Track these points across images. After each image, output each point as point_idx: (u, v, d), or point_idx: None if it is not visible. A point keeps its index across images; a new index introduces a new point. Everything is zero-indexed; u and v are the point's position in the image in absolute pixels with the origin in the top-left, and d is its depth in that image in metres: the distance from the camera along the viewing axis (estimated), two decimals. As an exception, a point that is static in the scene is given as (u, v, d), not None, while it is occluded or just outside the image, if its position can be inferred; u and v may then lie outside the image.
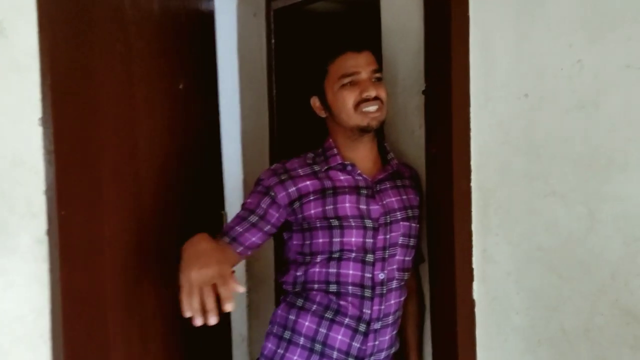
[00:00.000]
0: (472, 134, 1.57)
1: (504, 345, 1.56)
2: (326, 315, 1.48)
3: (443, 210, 1.57)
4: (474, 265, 1.60)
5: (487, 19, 1.52)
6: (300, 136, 1.75)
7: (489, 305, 1.59)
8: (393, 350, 1.58)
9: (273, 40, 2.40)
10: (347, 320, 1.47)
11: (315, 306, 1.49)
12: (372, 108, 1.47)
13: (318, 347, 1.47)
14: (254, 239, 1.47)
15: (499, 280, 1.56)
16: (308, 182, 1.49)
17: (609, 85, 1.33)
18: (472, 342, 1.63)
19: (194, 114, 1.89)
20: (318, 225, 1.47)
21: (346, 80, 1.46)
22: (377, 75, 1.50)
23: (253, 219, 1.48)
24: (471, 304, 1.62)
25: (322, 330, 1.47)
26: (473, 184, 1.58)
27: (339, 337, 1.47)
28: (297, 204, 1.48)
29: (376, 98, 1.47)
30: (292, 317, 1.51)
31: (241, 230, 1.47)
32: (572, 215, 1.40)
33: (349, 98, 1.46)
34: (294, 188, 1.48)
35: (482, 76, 1.55)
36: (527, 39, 1.45)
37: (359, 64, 1.47)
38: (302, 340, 1.49)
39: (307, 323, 1.49)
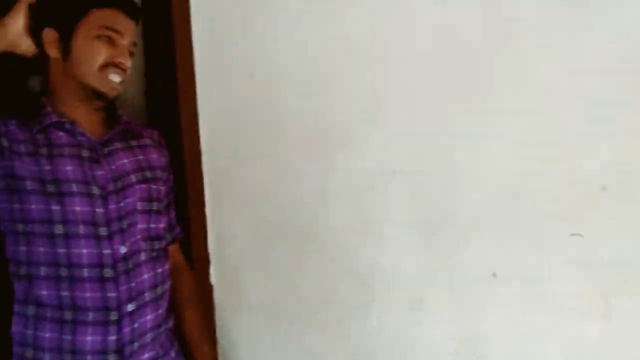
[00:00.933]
0: (201, 116, 1.54)
1: (245, 324, 1.58)
2: (65, 317, 1.28)
3: (178, 195, 1.50)
4: (210, 249, 1.58)
5: (211, 7, 1.50)
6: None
7: (227, 287, 1.59)
8: (162, 329, 1.43)
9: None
10: (91, 316, 1.29)
11: (49, 310, 1.29)
12: (117, 79, 1.32)
13: (68, 358, 1.28)
14: None
15: (236, 261, 1.57)
16: (20, 133, 1.28)
17: (333, 67, 1.42)
18: (212, 326, 1.62)
19: None
20: (29, 187, 1.26)
21: (107, 32, 1.29)
22: (133, 50, 1.36)
23: None
24: (209, 288, 1.60)
25: (67, 337, 1.27)
26: (205, 166, 1.55)
27: (89, 338, 1.28)
28: (4, 142, 1.26)
29: (125, 71, 1.33)
30: (29, 331, 1.29)
31: None
32: (307, 191, 1.47)
33: (102, 52, 1.29)
34: (4, 127, 1.28)
35: (207, 57, 1.52)
36: (253, 20, 1.46)
37: (127, 27, 1.32)
38: (47, 357, 1.27)
39: (47, 334, 1.28)
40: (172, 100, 1.54)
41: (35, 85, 1.42)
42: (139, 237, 1.34)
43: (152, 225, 1.38)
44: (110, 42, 1.31)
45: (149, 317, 1.35)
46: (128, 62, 1.33)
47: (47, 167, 1.26)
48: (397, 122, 1.37)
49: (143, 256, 1.34)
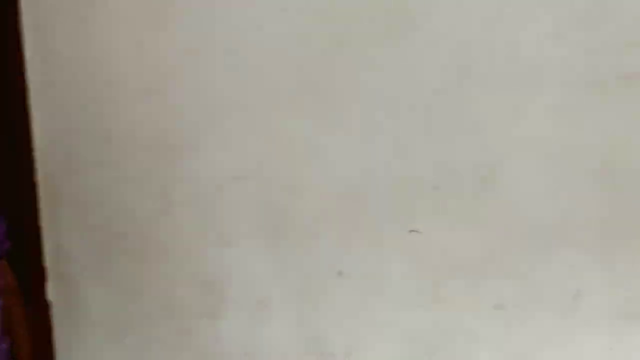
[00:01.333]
0: (35, 123, 1.45)
1: (86, 342, 1.51)
2: None
3: (9, 206, 1.40)
4: (47, 264, 1.49)
5: (42, 5, 1.42)
6: None
7: (66, 304, 1.51)
8: None
9: None
10: None
11: None
12: None
13: None
14: None
15: (76, 276, 1.49)
16: None
17: (172, 70, 1.39)
18: (49, 345, 1.52)
19: None
20: None
21: None
22: None
23: None
24: (46, 306, 1.50)
25: None
26: (39, 175, 1.46)
27: None
28: None
29: None
30: None
31: None
32: (147, 198, 1.42)
33: None
34: None
35: (40, 60, 1.43)
36: (88, 21, 1.40)
37: None
38: None
39: None
40: (2, 105, 1.44)
41: None
42: None
43: None
44: None
45: None
46: None
47: None
48: (238, 127, 1.37)
49: None
